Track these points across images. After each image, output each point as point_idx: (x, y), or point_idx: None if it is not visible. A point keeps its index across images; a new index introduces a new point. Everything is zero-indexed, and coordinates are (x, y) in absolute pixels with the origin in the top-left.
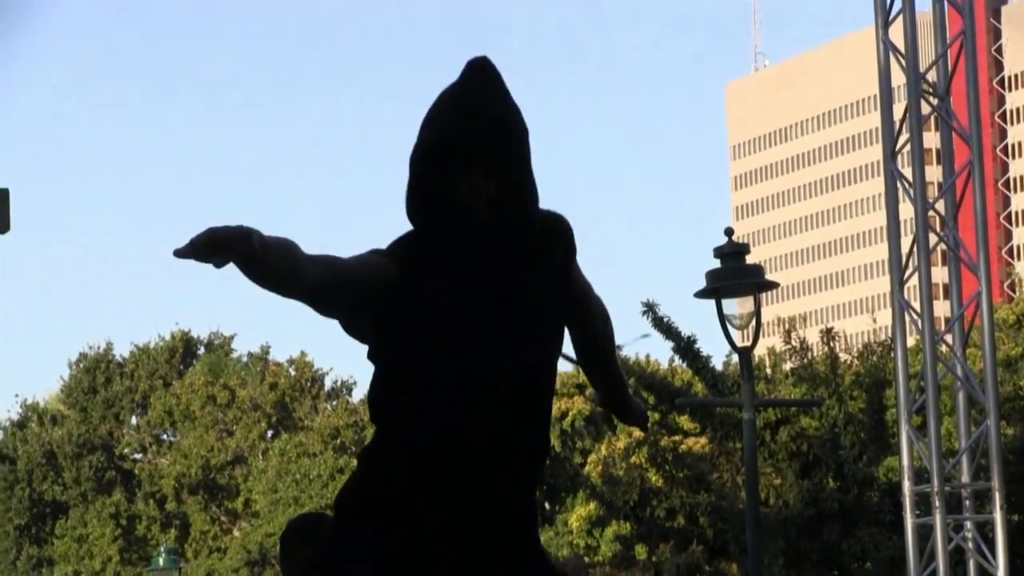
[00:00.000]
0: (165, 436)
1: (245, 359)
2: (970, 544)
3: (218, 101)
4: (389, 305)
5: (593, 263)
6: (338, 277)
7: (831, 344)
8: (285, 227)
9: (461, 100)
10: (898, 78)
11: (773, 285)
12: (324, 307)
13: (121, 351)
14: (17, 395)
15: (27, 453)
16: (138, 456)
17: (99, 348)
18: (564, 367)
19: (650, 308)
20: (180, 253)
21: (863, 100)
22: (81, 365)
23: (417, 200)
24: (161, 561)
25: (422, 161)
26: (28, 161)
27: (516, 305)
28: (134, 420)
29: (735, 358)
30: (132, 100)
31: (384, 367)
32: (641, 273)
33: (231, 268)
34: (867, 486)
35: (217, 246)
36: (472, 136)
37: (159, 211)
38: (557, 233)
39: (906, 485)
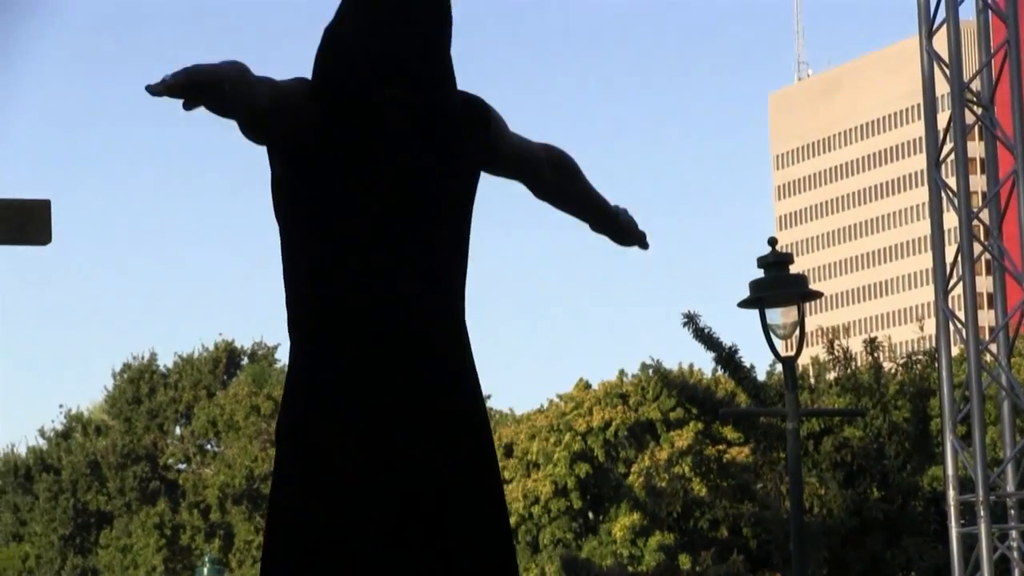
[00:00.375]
0: (209, 446)
1: None
2: (1015, 553)
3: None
4: (302, 134)
5: (635, 273)
6: (275, 100)
7: (874, 354)
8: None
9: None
10: (942, 87)
11: (817, 295)
12: (255, 130)
13: (165, 361)
14: (61, 405)
15: (71, 463)
16: (182, 466)
17: (143, 358)
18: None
19: (691, 319)
20: (154, 90)
21: (907, 109)
22: (125, 375)
23: (327, 92)
24: (206, 571)
25: (337, 69)
26: (69, 172)
27: (423, 194)
28: (178, 430)
29: (778, 368)
30: (174, 110)
31: (283, 210)
32: (684, 283)
33: (276, 279)
34: (911, 496)
35: (194, 89)
36: (394, 58)
37: (202, 221)
38: (471, 119)
39: (950, 495)
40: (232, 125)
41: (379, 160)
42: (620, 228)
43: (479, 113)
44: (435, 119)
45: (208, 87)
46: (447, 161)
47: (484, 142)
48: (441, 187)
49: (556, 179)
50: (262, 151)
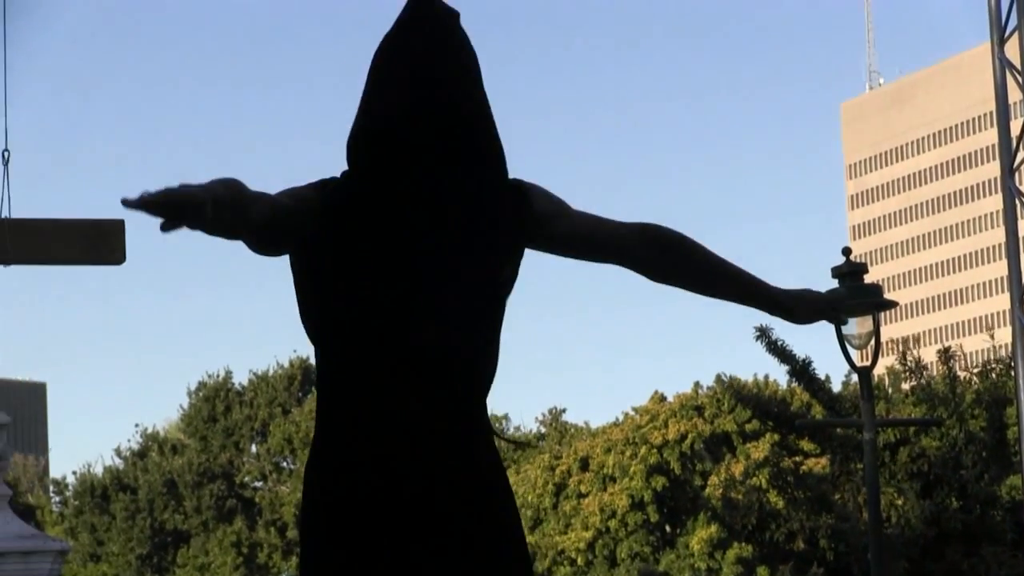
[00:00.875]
0: (285, 464)
1: None
2: None
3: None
4: (308, 238)
5: None
6: (277, 213)
7: (949, 363)
8: None
9: (415, 71)
10: (1014, 94)
11: (892, 304)
12: (263, 247)
13: (240, 379)
14: (137, 425)
15: (148, 483)
16: (258, 484)
17: (218, 376)
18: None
19: (763, 332)
20: (129, 204)
21: (979, 117)
22: (200, 394)
23: (361, 155)
24: None
25: (374, 139)
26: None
27: (443, 280)
28: (254, 448)
29: (854, 378)
30: (245, 134)
31: (301, 308)
32: None
33: None
34: (989, 505)
35: (172, 210)
36: (428, 124)
37: None
38: (509, 204)
39: None
40: (315, 135)
41: (396, 255)
42: (777, 302)
43: (514, 190)
44: (464, 199)
45: (189, 208)
46: (473, 250)
47: (524, 220)
48: (468, 275)
49: (660, 257)
50: (339, 164)
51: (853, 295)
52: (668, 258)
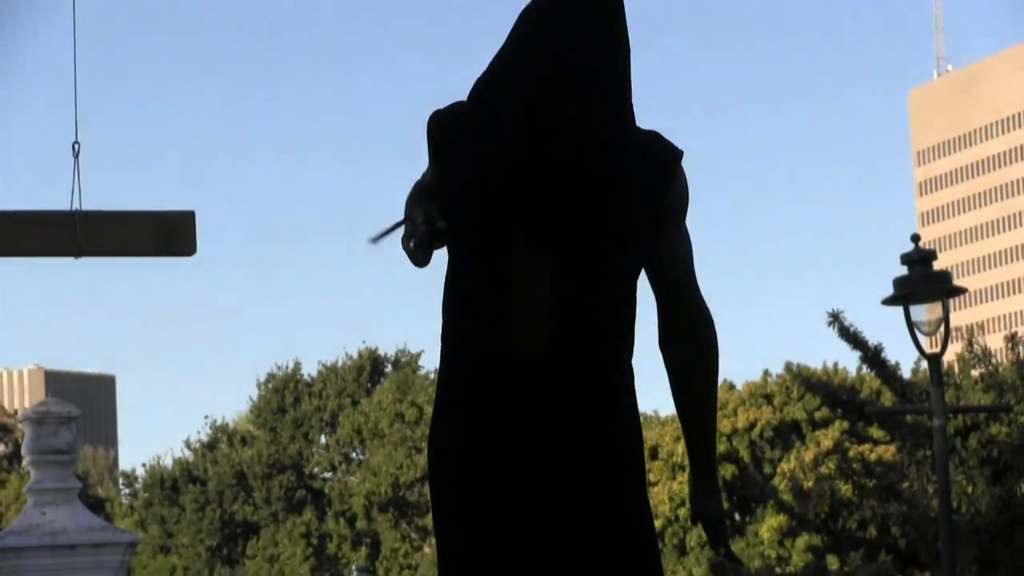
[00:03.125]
0: (354, 455)
1: (433, 375)
2: None
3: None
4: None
5: (777, 272)
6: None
7: (1016, 350)
8: None
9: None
10: None
11: (961, 291)
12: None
13: (309, 370)
14: (207, 417)
15: (218, 474)
16: (328, 475)
17: (287, 368)
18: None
19: (835, 317)
20: (415, 258)
21: None
22: (270, 385)
23: (485, 107)
24: None
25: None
26: (213, 183)
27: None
28: (323, 439)
29: (923, 365)
30: (312, 120)
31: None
32: (827, 281)
33: (420, 286)
34: None
35: (440, 238)
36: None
37: (344, 230)
38: (651, 169)
39: None
40: (379, 126)
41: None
42: (696, 492)
43: (662, 164)
44: (604, 179)
45: (441, 231)
46: (614, 235)
47: (658, 206)
48: (608, 259)
49: (674, 341)
50: (402, 154)
51: (923, 282)
52: (676, 342)
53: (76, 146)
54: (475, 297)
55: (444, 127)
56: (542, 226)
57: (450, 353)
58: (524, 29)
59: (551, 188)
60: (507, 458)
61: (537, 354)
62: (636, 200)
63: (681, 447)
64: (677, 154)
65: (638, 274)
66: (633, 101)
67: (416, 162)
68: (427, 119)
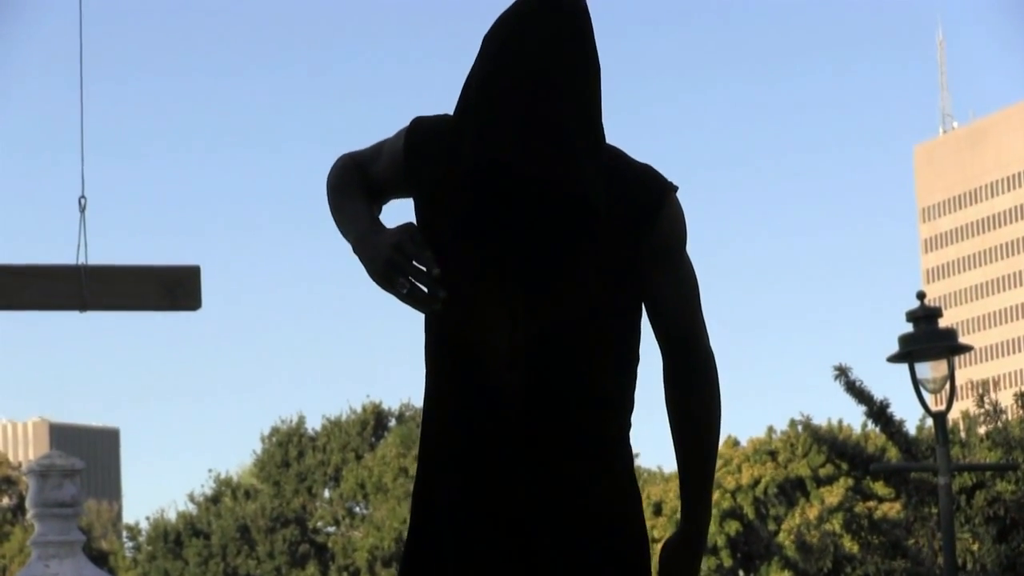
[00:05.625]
0: (358, 509)
1: None
2: None
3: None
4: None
5: (781, 327)
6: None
7: None
8: None
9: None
10: None
11: (967, 348)
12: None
13: (313, 424)
14: (211, 470)
15: (221, 528)
16: (331, 529)
17: (291, 422)
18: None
19: (842, 372)
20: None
21: None
22: (274, 439)
23: (465, 116)
24: None
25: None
26: (218, 238)
27: (535, 263)
28: (327, 493)
29: (929, 422)
30: (317, 177)
31: None
32: (833, 338)
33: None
34: None
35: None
36: (537, 104)
37: (348, 284)
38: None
39: None
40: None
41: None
42: (675, 546)
43: (651, 197)
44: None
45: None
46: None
47: (642, 244)
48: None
49: (671, 388)
50: (406, 210)
51: (928, 339)
52: (670, 378)
53: (82, 200)
54: (442, 346)
55: (428, 138)
56: (508, 257)
57: (426, 405)
58: (491, 48)
59: (516, 215)
60: (483, 514)
61: (507, 406)
62: (618, 232)
63: None
64: (667, 187)
65: (631, 316)
66: (603, 123)
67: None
68: (410, 122)
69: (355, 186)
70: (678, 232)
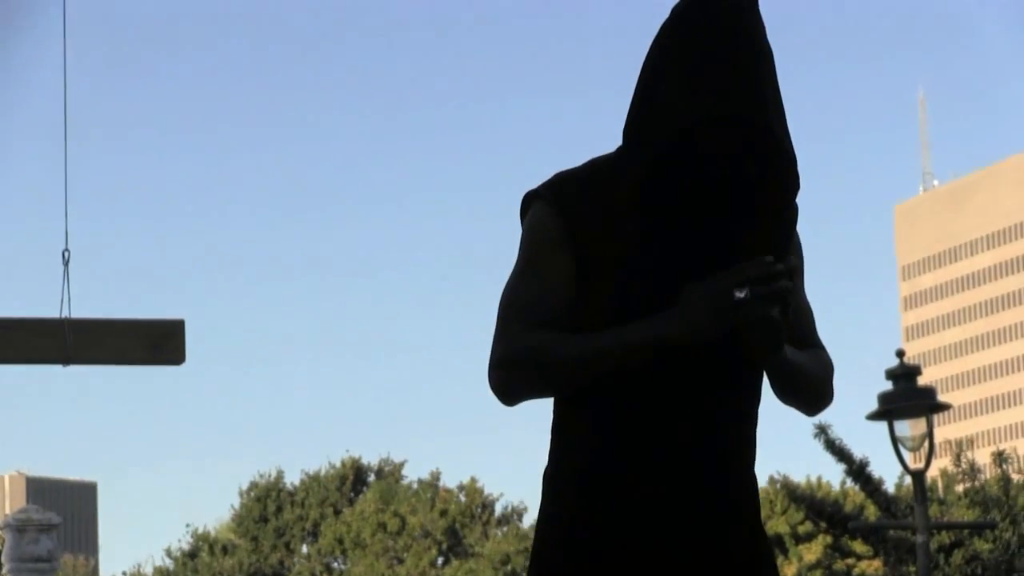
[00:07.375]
0: (336, 564)
1: (415, 486)
2: None
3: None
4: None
5: (765, 385)
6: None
7: (1003, 466)
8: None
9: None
10: None
11: (945, 407)
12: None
13: (292, 479)
14: (188, 525)
15: None
16: None
17: (270, 476)
18: None
19: (822, 430)
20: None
21: None
22: (252, 494)
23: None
24: None
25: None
26: (202, 293)
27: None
28: (305, 548)
29: (907, 480)
30: (294, 233)
31: None
32: None
33: (402, 395)
34: None
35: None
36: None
37: (328, 340)
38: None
39: None
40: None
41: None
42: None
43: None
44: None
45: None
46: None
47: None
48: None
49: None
50: (386, 269)
51: (907, 398)
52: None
53: (66, 254)
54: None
55: (575, 189)
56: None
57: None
58: (678, 29)
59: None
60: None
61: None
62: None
63: None
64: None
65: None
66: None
67: (404, 277)
68: (538, 198)
69: (558, 338)
70: (798, 253)
